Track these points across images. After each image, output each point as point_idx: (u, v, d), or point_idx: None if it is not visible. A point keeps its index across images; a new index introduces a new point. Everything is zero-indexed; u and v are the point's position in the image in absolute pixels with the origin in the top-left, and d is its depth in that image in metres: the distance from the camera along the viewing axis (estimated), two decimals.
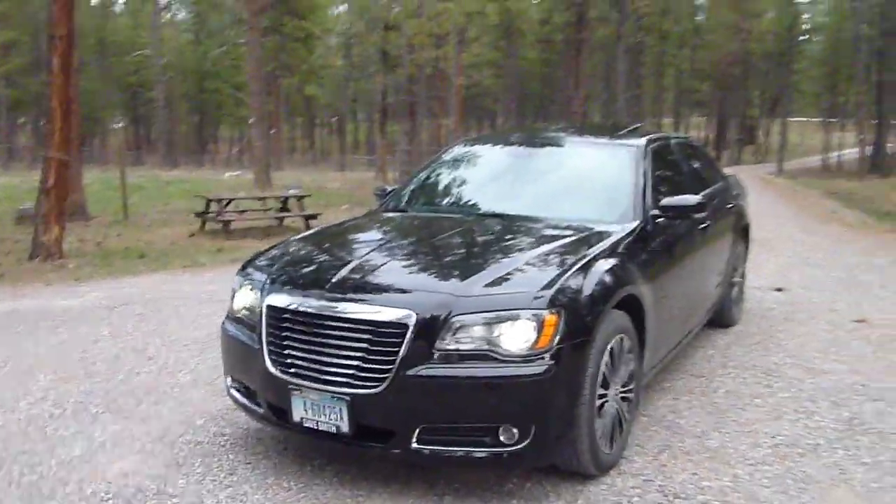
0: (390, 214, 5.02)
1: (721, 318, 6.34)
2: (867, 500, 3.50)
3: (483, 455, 3.28)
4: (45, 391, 4.92)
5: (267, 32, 29.30)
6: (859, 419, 4.45)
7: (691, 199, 4.56)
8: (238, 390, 3.95)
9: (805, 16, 58.04)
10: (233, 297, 4.06)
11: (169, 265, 9.66)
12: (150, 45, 47.79)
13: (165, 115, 49.25)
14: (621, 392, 3.78)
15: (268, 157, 25.10)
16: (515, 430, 3.24)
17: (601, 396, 3.56)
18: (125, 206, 14.52)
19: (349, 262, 3.77)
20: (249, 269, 4.07)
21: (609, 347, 3.57)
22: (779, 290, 8.11)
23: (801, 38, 54.97)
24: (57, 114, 9.90)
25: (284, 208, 14.09)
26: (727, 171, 7.36)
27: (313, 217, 13.73)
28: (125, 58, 51.38)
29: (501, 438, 3.25)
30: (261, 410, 3.75)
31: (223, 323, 4.08)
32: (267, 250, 4.36)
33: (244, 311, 3.89)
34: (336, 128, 74.68)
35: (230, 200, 13.60)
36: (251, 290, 3.88)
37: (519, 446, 3.25)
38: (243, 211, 14.04)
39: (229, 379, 4.04)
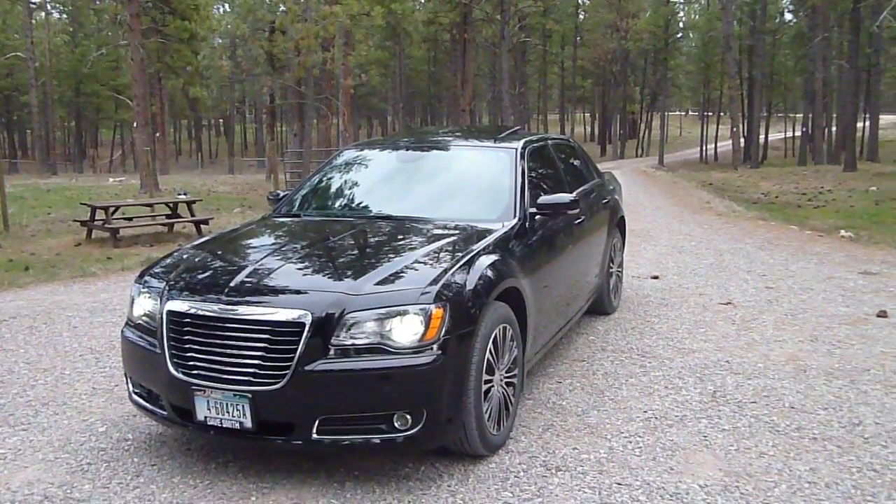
0: (283, 219, 5.17)
1: (600, 306, 6.76)
2: (726, 461, 3.91)
3: (379, 441, 3.51)
4: None
5: (149, 34, 28.53)
6: (721, 392, 4.92)
7: (565, 197, 4.90)
8: (140, 395, 4.05)
9: (679, 15, 60.76)
10: (131, 304, 4.16)
11: (57, 276, 9.46)
12: (23, 48, 45.69)
13: (41, 121, 47.21)
14: (506, 377, 4.09)
15: (154, 161, 24.54)
16: (409, 417, 3.49)
17: (487, 382, 3.85)
18: (5, 217, 13.99)
19: (245, 267, 3.94)
20: (147, 277, 4.17)
21: (493, 336, 3.86)
22: (655, 277, 8.66)
23: (676, 36, 57.49)
24: None
25: (174, 214, 13.87)
26: (610, 164, 7.83)
27: (204, 222, 13.61)
28: None
29: (396, 425, 3.50)
30: (164, 413, 3.86)
31: (123, 330, 4.17)
32: (164, 258, 4.48)
33: (144, 318, 4.00)
34: (223, 130, 73.29)
35: (117, 207, 13.31)
36: (150, 297, 3.99)
37: (412, 431, 3.49)
38: (131, 218, 13.76)
39: (131, 384, 4.13)
